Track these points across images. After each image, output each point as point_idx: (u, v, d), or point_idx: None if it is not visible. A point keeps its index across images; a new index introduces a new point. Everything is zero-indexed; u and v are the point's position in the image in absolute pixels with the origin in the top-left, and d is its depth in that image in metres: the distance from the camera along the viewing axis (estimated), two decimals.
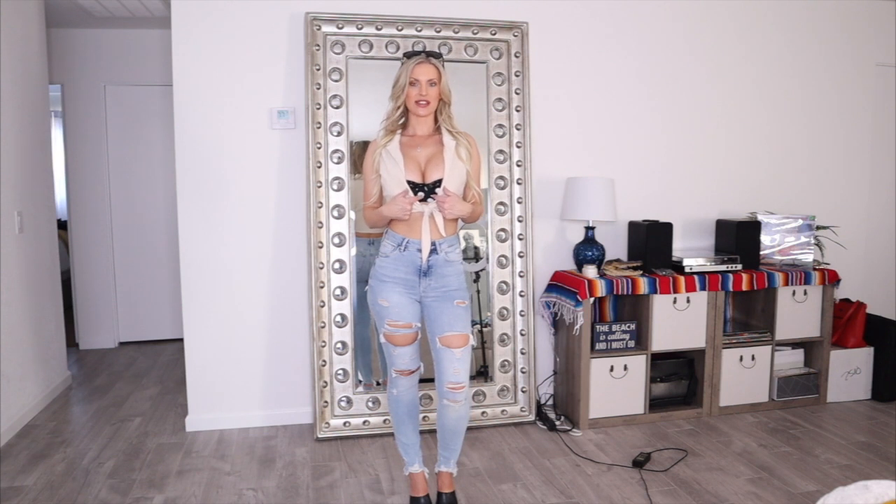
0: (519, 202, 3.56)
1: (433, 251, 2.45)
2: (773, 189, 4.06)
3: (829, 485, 2.83)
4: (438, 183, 2.43)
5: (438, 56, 2.49)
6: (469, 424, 3.38)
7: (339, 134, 3.38)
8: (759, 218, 3.82)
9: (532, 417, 3.57)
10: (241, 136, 3.43)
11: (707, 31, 3.89)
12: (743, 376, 3.66)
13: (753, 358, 3.66)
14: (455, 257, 2.51)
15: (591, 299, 3.41)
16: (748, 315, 3.89)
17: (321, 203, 3.36)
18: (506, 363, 3.56)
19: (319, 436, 3.35)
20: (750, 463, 3.06)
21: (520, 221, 3.56)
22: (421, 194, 2.43)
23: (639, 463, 3.02)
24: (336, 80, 3.37)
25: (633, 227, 3.75)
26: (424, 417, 3.38)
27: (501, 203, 3.55)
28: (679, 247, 3.90)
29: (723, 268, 3.61)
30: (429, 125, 2.52)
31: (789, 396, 3.74)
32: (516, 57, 3.55)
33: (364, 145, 3.24)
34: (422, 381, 2.66)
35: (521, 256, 3.57)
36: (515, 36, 3.55)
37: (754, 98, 4.01)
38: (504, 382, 3.56)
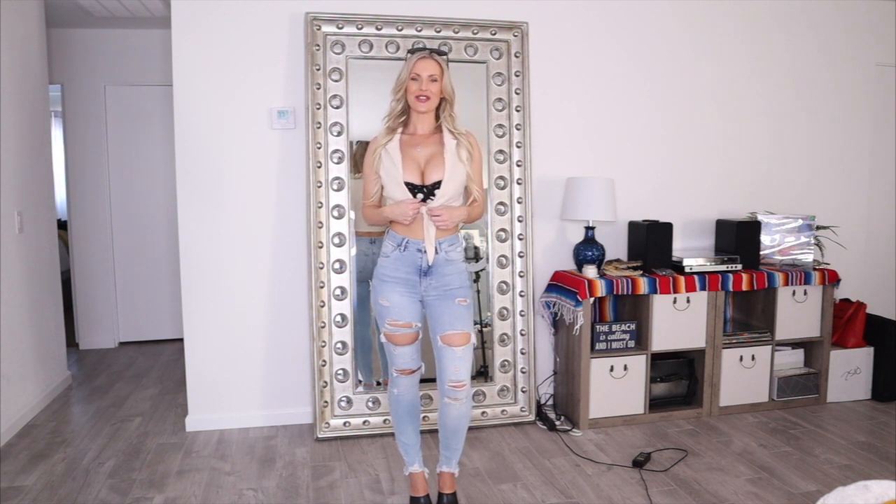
0: (519, 202, 3.56)
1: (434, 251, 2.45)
2: (772, 189, 4.06)
3: (829, 485, 2.83)
4: (438, 185, 2.42)
5: (443, 54, 2.48)
6: (469, 424, 3.39)
7: (339, 134, 3.38)
8: (759, 218, 3.82)
9: (532, 417, 3.57)
10: (241, 136, 3.43)
11: (707, 31, 3.89)
12: (743, 376, 3.66)
13: (753, 358, 3.66)
14: (456, 256, 2.51)
15: (591, 299, 3.41)
16: (748, 315, 3.89)
17: (321, 203, 3.36)
18: (506, 363, 3.56)
19: (319, 436, 3.35)
20: (750, 463, 3.06)
21: (520, 221, 3.56)
22: (421, 196, 2.42)
23: (639, 463, 3.02)
24: (336, 80, 3.37)
25: (633, 227, 3.75)
26: (424, 417, 3.38)
27: (501, 203, 3.55)
28: (679, 247, 3.90)
29: (723, 268, 3.61)
30: (430, 123, 2.51)
31: (789, 396, 3.74)
32: (516, 57, 3.55)
33: (365, 145, 3.24)
34: (422, 380, 2.66)
35: (521, 256, 3.57)
36: (515, 36, 3.55)
37: (754, 98, 4.01)
38: (504, 382, 3.56)
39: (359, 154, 3.40)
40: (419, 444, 2.64)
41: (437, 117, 2.51)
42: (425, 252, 2.44)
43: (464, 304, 2.49)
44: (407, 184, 2.42)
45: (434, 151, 2.46)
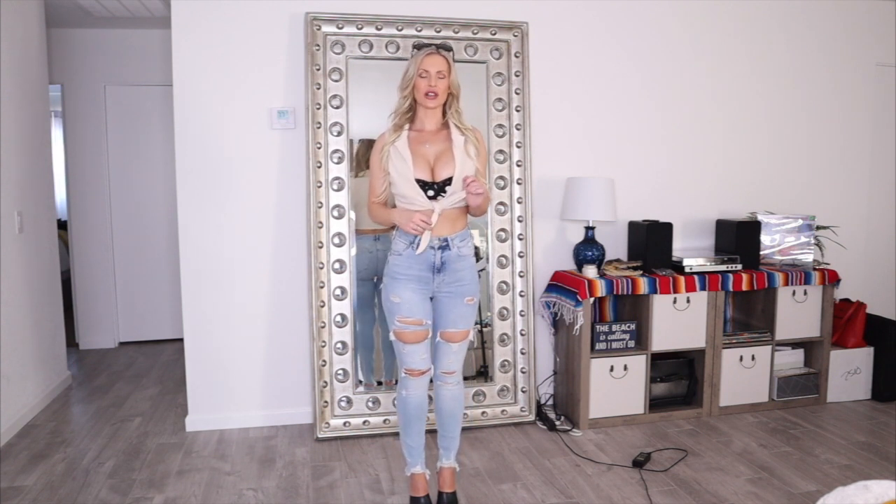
0: (519, 202, 3.56)
1: (446, 247, 2.46)
2: (772, 189, 4.06)
3: (829, 485, 2.83)
4: (449, 181, 2.44)
5: (449, 49, 2.49)
6: (469, 424, 3.40)
7: (339, 134, 3.38)
8: (759, 218, 3.82)
9: (532, 417, 3.57)
10: (241, 136, 3.43)
11: (707, 31, 3.89)
12: (743, 376, 3.66)
13: (753, 358, 3.66)
14: (467, 251, 2.53)
15: (591, 299, 3.41)
16: (748, 315, 3.89)
17: (321, 203, 3.36)
18: (506, 363, 3.56)
19: (319, 436, 3.35)
20: (750, 463, 3.06)
21: (520, 221, 3.56)
22: (431, 193, 2.43)
23: (639, 463, 3.02)
24: (336, 80, 3.37)
25: (633, 227, 3.75)
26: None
27: (501, 203, 3.55)
28: (679, 247, 3.89)
29: (723, 268, 3.60)
30: (437, 119, 2.52)
31: (789, 396, 3.74)
32: (516, 57, 3.55)
33: (369, 144, 3.24)
34: None
35: (521, 256, 3.57)
36: (515, 36, 3.55)
37: (754, 98, 4.00)
38: (504, 382, 3.56)
39: (361, 152, 3.40)
40: (423, 445, 2.65)
41: (444, 112, 2.53)
42: (438, 249, 2.46)
43: (471, 303, 2.54)
44: (417, 181, 2.43)
45: (443, 148, 2.48)
